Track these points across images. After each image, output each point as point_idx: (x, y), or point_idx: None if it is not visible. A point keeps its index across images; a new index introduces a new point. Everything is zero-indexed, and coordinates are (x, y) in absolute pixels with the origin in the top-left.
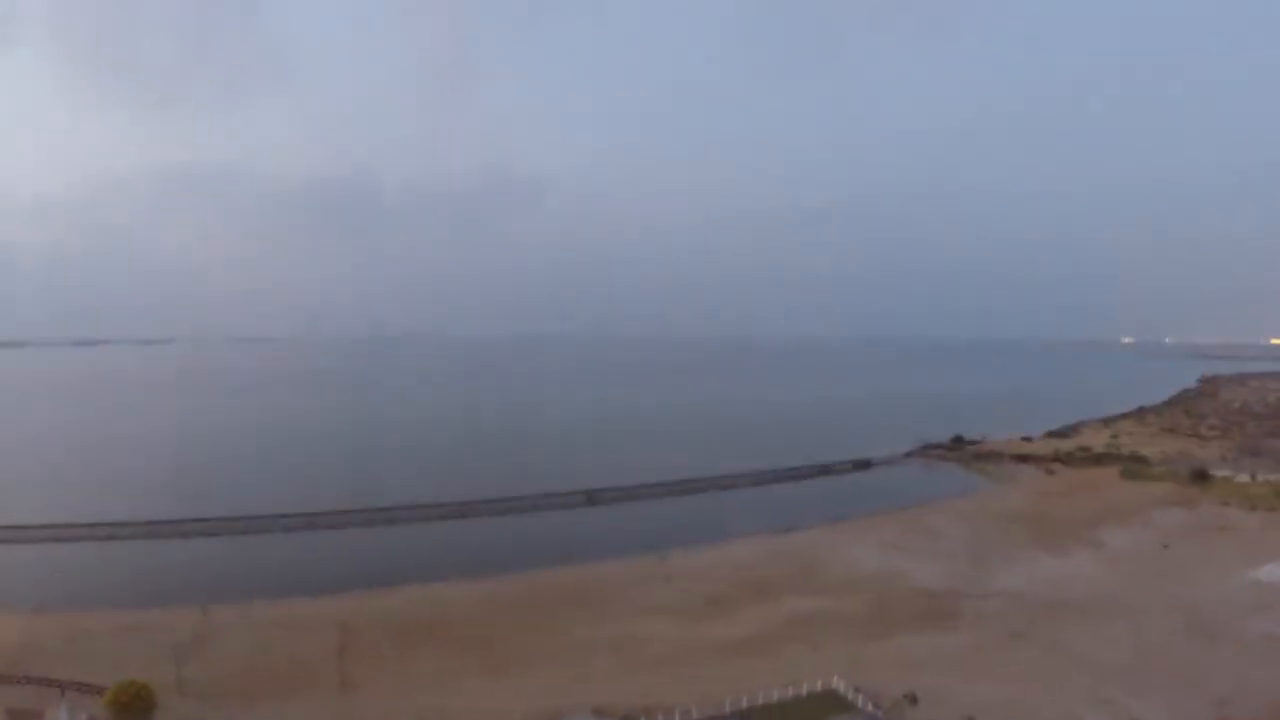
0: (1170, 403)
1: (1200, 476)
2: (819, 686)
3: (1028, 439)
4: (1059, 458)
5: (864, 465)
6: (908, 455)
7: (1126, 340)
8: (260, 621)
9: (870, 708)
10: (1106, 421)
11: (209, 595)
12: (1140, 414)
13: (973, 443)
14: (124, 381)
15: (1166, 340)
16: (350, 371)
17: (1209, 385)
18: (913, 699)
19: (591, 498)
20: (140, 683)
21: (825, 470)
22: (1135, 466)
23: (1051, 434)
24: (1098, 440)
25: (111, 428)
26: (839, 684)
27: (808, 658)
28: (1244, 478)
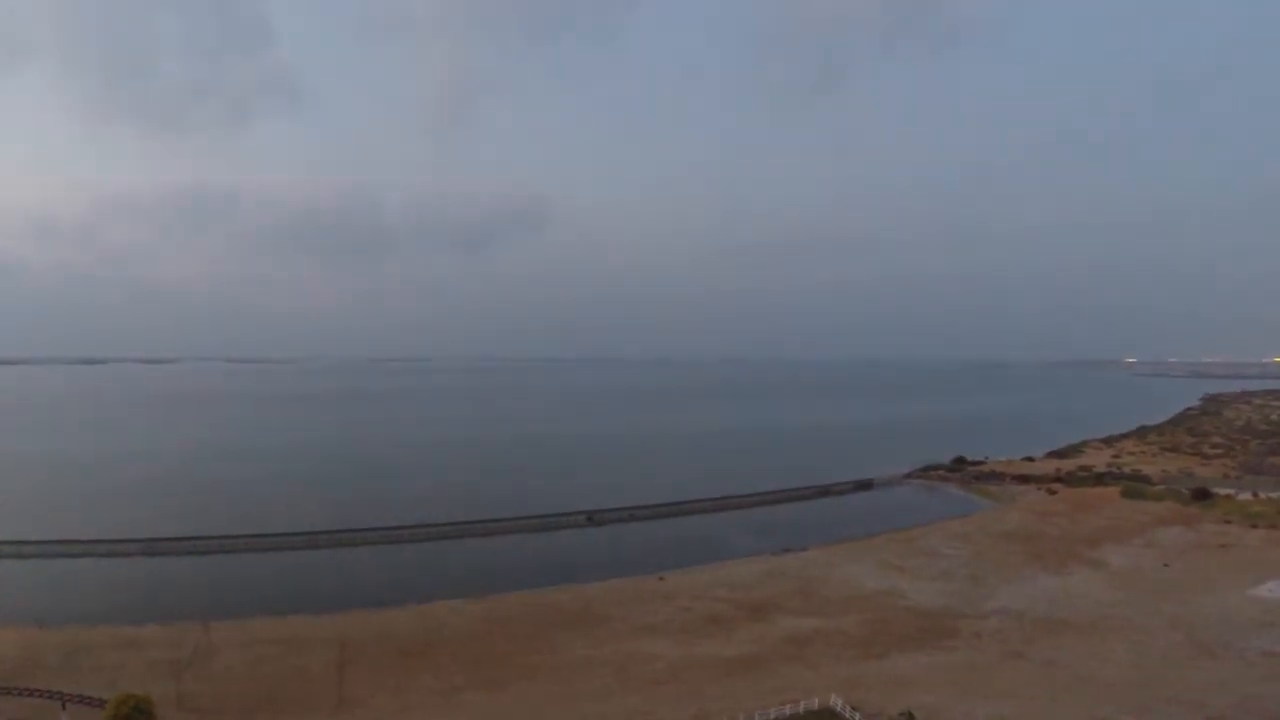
0: (1173, 421)
1: (1201, 495)
2: (816, 705)
3: (1029, 459)
4: (1060, 478)
5: (864, 486)
6: (908, 476)
7: (1130, 360)
8: (260, 638)
9: None
10: (1108, 441)
11: (210, 612)
12: (1142, 433)
13: (974, 463)
14: (127, 400)
15: (1170, 359)
16: (352, 393)
17: (1212, 404)
18: (909, 717)
19: (592, 518)
20: (139, 696)
21: (825, 491)
22: (1136, 485)
23: (1053, 454)
24: (1099, 460)
25: (113, 446)
26: (836, 702)
27: (805, 676)
28: (1246, 496)
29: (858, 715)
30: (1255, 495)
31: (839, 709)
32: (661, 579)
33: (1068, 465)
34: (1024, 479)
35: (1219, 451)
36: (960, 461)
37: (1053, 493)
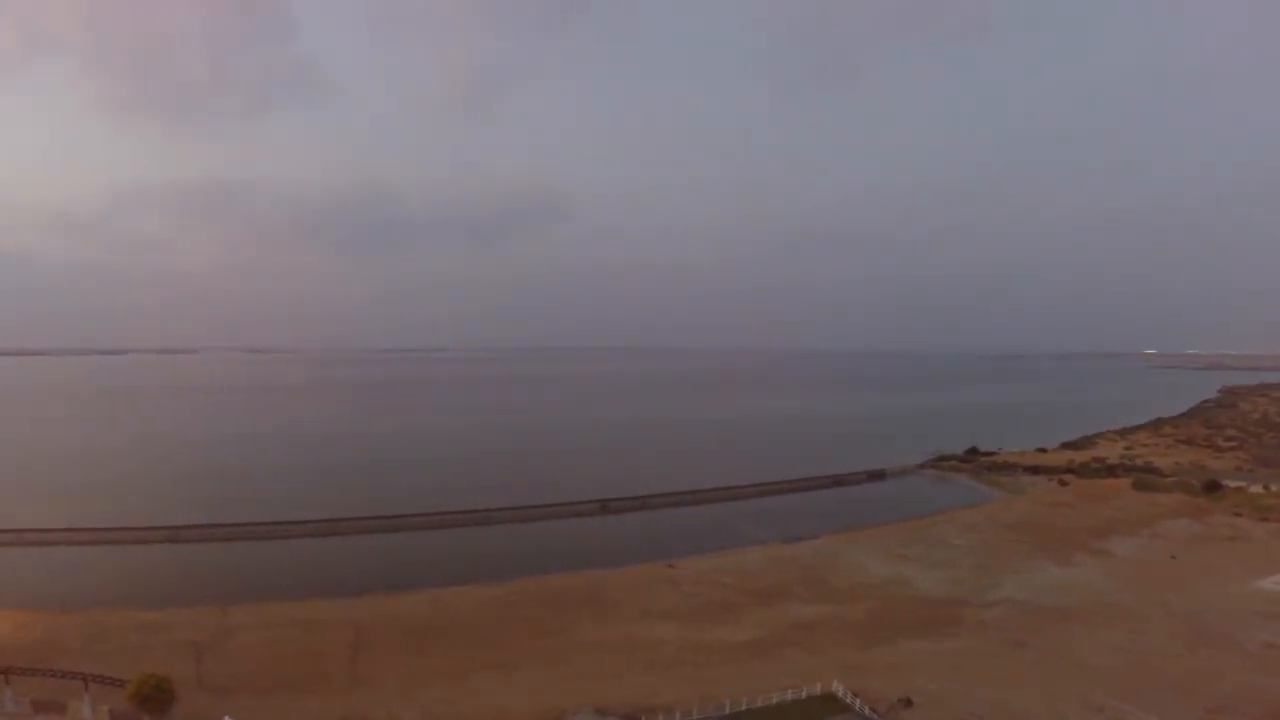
0: (1188, 414)
1: (1212, 487)
2: (818, 689)
3: (1042, 450)
4: (1072, 469)
5: (877, 476)
6: (921, 466)
7: (1149, 352)
8: (277, 621)
9: (866, 710)
10: (1122, 433)
11: (228, 597)
12: (1157, 425)
13: (987, 454)
14: (147, 391)
15: (1189, 351)
16: (371, 383)
17: (1229, 396)
18: (908, 702)
19: (605, 506)
20: (160, 676)
21: (838, 481)
22: (1147, 478)
23: (1066, 445)
24: (1112, 452)
25: (136, 435)
26: (837, 687)
27: (809, 662)
28: (1257, 489)
29: (858, 701)
30: (1266, 488)
31: (840, 694)
32: (671, 566)
33: (1080, 457)
34: (1036, 470)
35: (1233, 444)
36: (973, 452)
37: (1064, 484)
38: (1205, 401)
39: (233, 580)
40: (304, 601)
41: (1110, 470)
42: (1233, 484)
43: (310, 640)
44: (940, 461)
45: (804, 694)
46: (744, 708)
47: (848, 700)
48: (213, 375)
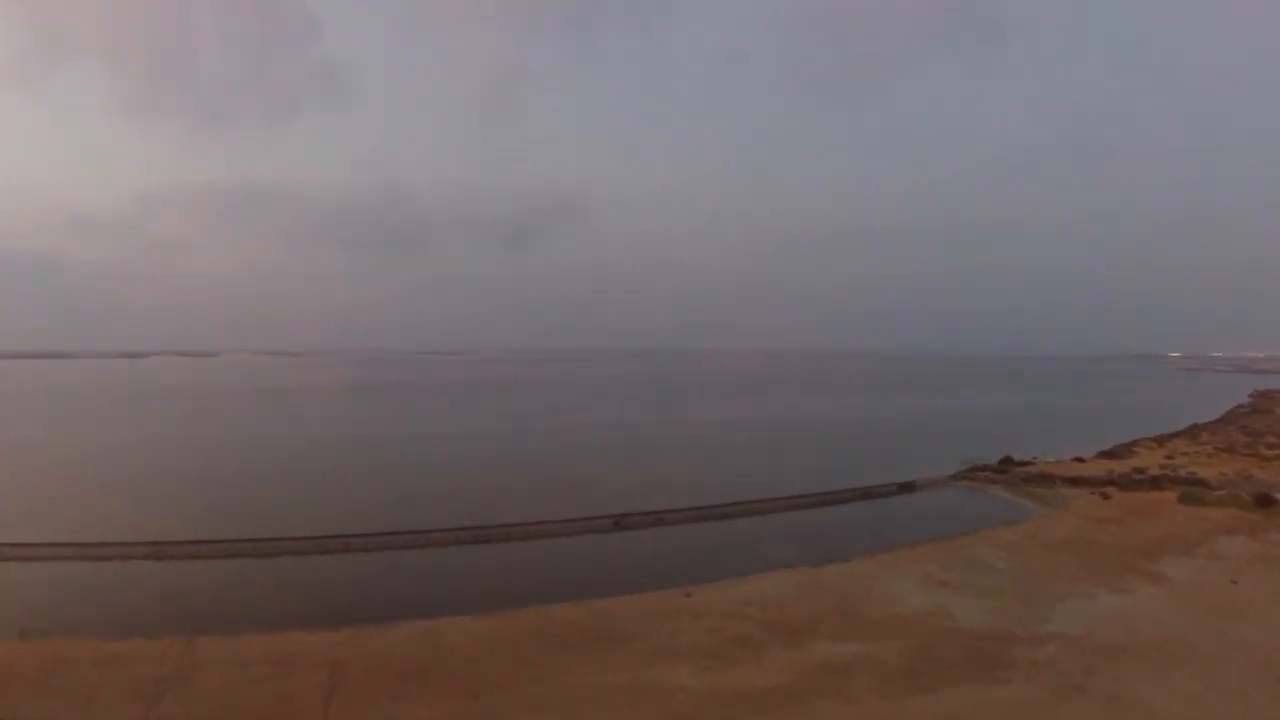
0: (1224, 420)
1: (1264, 501)
2: None
3: (1080, 460)
4: (1113, 480)
5: (908, 488)
6: (953, 478)
7: (1174, 354)
8: (248, 657)
9: None
10: (1160, 441)
11: (201, 625)
12: (1194, 432)
13: (1023, 464)
14: (159, 394)
15: (1214, 354)
16: (389, 386)
17: (1263, 401)
18: None
19: (619, 522)
20: None
21: (866, 494)
22: (1194, 490)
23: (1104, 454)
24: (1152, 461)
25: (134, 440)
26: None
27: (841, 714)
28: None
29: None
30: None
31: None
32: (688, 594)
33: (1120, 467)
34: (1075, 482)
35: (1276, 452)
36: (1008, 462)
37: (1106, 497)
38: (1239, 406)
39: (210, 605)
40: (281, 633)
41: (1154, 482)
42: None
43: (280, 681)
44: (973, 472)
45: None
46: None
47: None
48: (230, 378)
